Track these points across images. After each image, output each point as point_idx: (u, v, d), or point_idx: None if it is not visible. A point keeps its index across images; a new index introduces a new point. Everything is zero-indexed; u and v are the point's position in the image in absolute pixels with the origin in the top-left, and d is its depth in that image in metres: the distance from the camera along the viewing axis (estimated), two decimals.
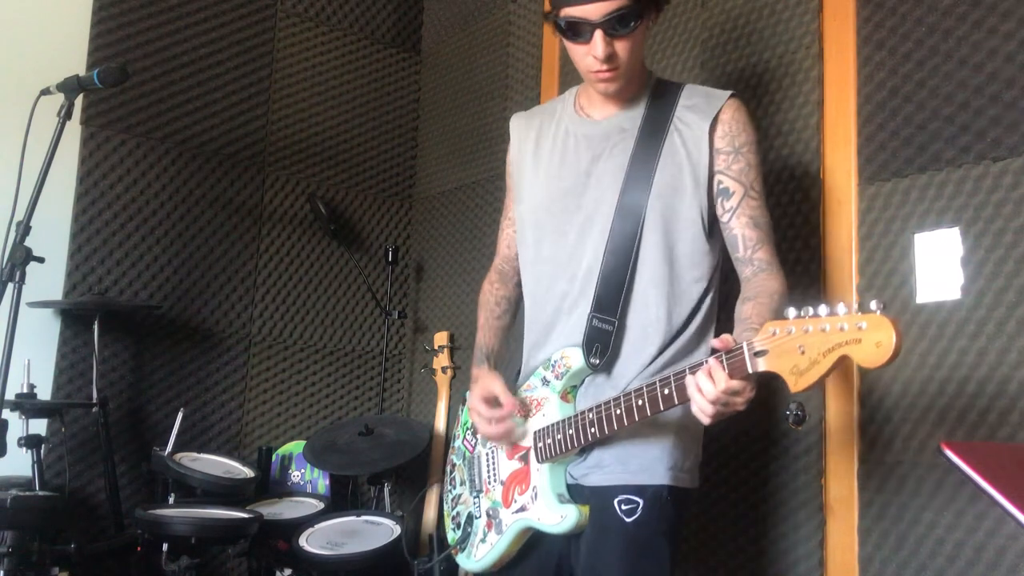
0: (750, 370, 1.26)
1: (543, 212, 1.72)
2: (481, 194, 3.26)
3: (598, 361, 1.60)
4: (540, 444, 1.64)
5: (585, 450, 1.62)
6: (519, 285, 1.88)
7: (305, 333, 3.33)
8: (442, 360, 3.23)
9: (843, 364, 1.18)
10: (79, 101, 2.26)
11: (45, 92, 2.21)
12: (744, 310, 1.50)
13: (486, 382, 1.71)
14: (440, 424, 3.18)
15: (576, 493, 1.63)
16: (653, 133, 1.63)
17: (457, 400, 3.20)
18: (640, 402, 1.44)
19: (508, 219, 1.92)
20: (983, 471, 0.93)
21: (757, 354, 1.25)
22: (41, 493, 2.34)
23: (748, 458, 2.17)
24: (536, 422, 1.67)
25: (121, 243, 2.92)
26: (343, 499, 3.14)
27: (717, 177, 1.61)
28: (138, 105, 2.99)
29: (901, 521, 1.86)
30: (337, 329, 3.42)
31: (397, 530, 2.56)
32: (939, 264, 1.86)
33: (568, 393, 1.66)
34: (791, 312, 1.23)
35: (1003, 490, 0.91)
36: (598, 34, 1.53)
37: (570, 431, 1.57)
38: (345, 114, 3.51)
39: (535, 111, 1.88)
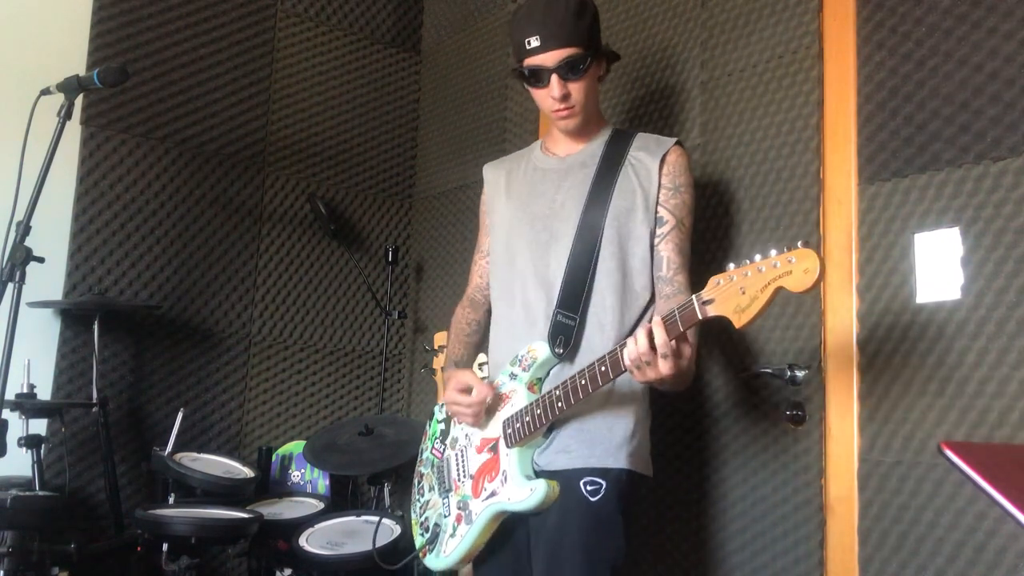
0: (699, 316, 1.46)
1: (515, 234, 1.96)
2: (481, 194, 3.25)
3: (562, 351, 1.79)
4: (509, 430, 1.78)
5: (551, 431, 1.78)
6: (488, 311, 2.11)
7: (305, 333, 3.33)
8: (442, 360, 3.23)
9: (777, 295, 1.37)
10: (79, 101, 2.26)
11: (45, 92, 2.21)
12: (659, 306, 1.80)
13: (459, 376, 1.90)
14: None
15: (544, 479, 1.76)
16: (610, 167, 1.90)
17: None
18: (603, 368, 1.62)
19: (480, 253, 2.16)
20: (983, 471, 0.93)
21: (705, 303, 1.45)
22: (41, 493, 2.34)
23: (748, 458, 2.17)
24: (504, 413, 1.81)
25: (121, 243, 2.92)
26: (343, 499, 3.14)
27: (658, 207, 1.87)
28: (138, 105, 2.99)
29: (901, 521, 1.86)
30: (337, 329, 3.42)
31: (397, 530, 2.56)
32: (939, 264, 1.86)
33: (535, 384, 1.80)
34: (731, 265, 1.43)
35: (1003, 490, 0.91)
36: (554, 78, 1.84)
37: (538, 411, 1.73)
38: (345, 114, 3.51)
39: (503, 160, 2.16)
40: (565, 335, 1.80)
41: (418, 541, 1.94)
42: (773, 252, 1.37)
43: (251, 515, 2.47)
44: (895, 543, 1.86)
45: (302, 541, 2.50)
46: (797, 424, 2.07)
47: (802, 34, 2.19)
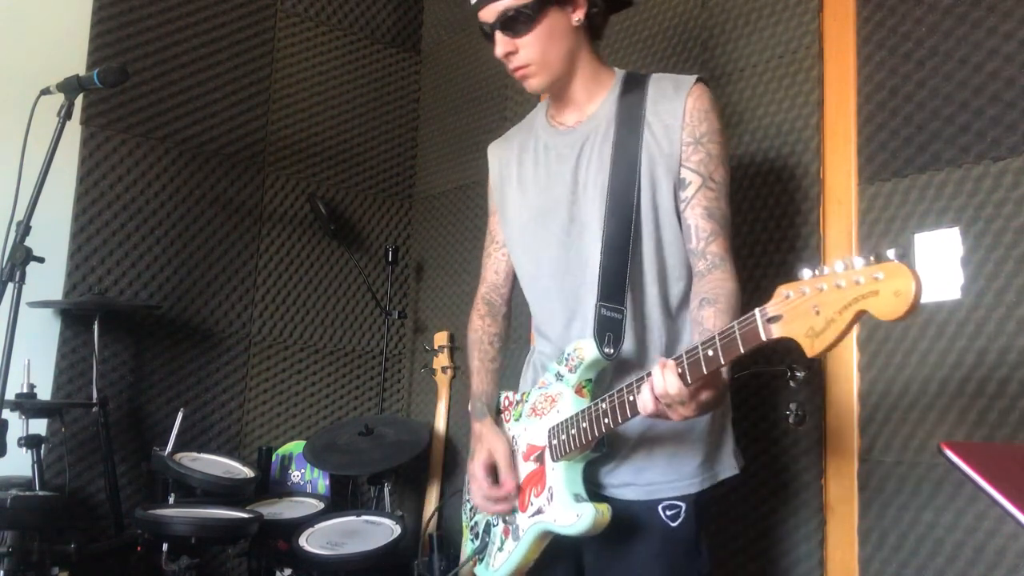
0: (763, 337, 1.19)
1: (538, 227, 1.72)
2: (481, 194, 3.25)
3: (612, 351, 1.56)
4: (555, 441, 1.58)
5: (601, 444, 1.57)
6: (507, 316, 1.90)
7: (305, 333, 3.33)
8: (442, 360, 3.23)
9: (859, 319, 1.10)
10: (79, 101, 2.26)
11: (45, 92, 2.21)
12: (704, 316, 1.48)
13: (492, 446, 1.68)
14: (440, 424, 3.18)
15: (606, 501, 1.59)
16: (630, 129, 1.62)
17: (457, 400, 3.20)
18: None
19: (495, 243, 1.90)
20: (983, 471, 0.93)
21: (770, 320, 1.18)
22: (41, 493, 2.34)
23: (748, 459, 2.16)
24: (550, 419, 1.61)
25: (121, 243, 2.92)
26: (343, 499, 3.14)
27: (680, 168, 1.60)
28: (138, 105, 2.99)
29: (901, 521, 1.86)
30: (337, 329, 3.41)
31: (397, 530, 2.56)
32: (939, 264, 1.86)
33: (583, 387, 1.60)
34: (805, 273, 1.15)
35: (1003, 490, 0.91)
36: (497, 35, 1.60)
37: (584, 424, 1.51)
38: (345, 114, 3.51)
39: (510, 134, 1.89)
40: (613, 331, 1.56)
41: (468, 547, 1.78)
42: (858, 262, 1.08)
43: (251, 515, 2.47)
44: (895, 543, 1.86)
45: (302, 541, 2.50)
46: (797, 424, 2.07)
47: (802, 34, 2.19)
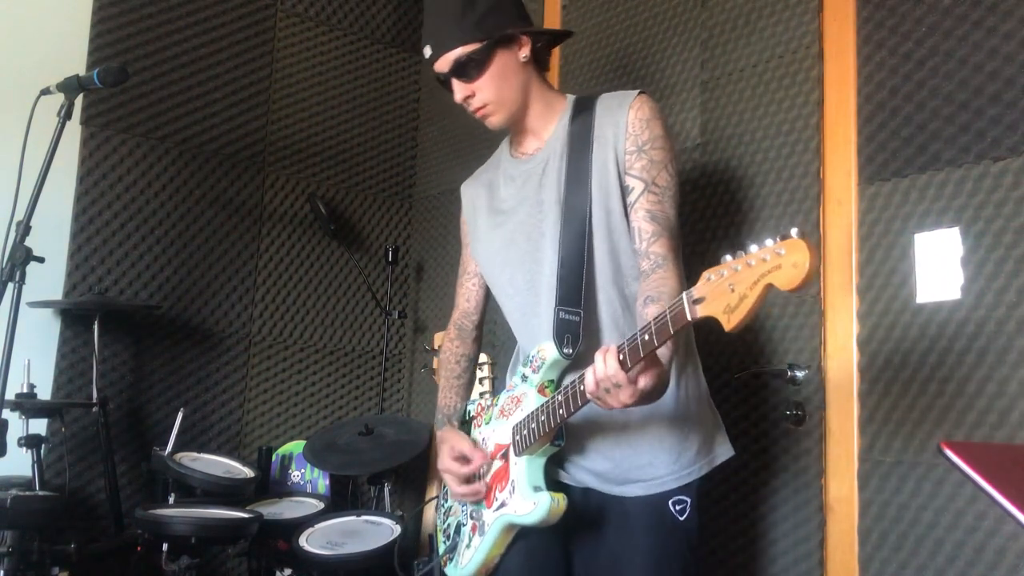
0: (689, 317, 1.28)
1: (509, 247, 1.81)
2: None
3: (571, 350, 1.64)
4: (517, 437, 1.67)
5: (559, 437, 1.64)
6: (477, 339, 2.04)
7: (305, 333, 3.33)
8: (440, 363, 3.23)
9: (767, 293, 1.18)
10: (79, 101, 2.26)
11: (45, 92, 2.21)
12: (648, 312, 1.53)
13: (453, 442, 1.78)
14: None
15: (617, 500, 1.69)
16: (581, 146, 1.73)
17: None
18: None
19: (467, 274, 2.01)
20: (983, 471, 0.93)
21: (695, 302, 1.27)
22: (41, 493, 2.34)
23: (748, 458, 2.17)
24: (515, 417, 1.70)
25: (121, 243, 2.92)
26: (343, 499, 3.14)
27: (624, 176, 1.69)
28: (138, 105, 2.99)
29: (901, 521, 1.86)
30: (337, 329, 3.41)
31: (397, 530, 2.56)
32: (939, 264, 1.86)
33: (545, 387, 1.69)
34: (727, 257, 1.24)
35: (1003, 490, 0.91)
36: (453, 82, 1.74)
37: (542, 417, 1.60)
38: (345, 114, 3.51)
39: (479, 172, 2.02)
40: (571, 333, 1.65)
41: (440, 549, 1.86)
42: (768, 242, 1.18)
43: (251, 515, 2.47)
44: (895, 543, 1.86)
45: (302, 541, 2.50)
46: (797, 424, 2.07)
47: (802, 34, 2.19)
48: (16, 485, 2.35)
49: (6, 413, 2.04)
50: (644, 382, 1.39)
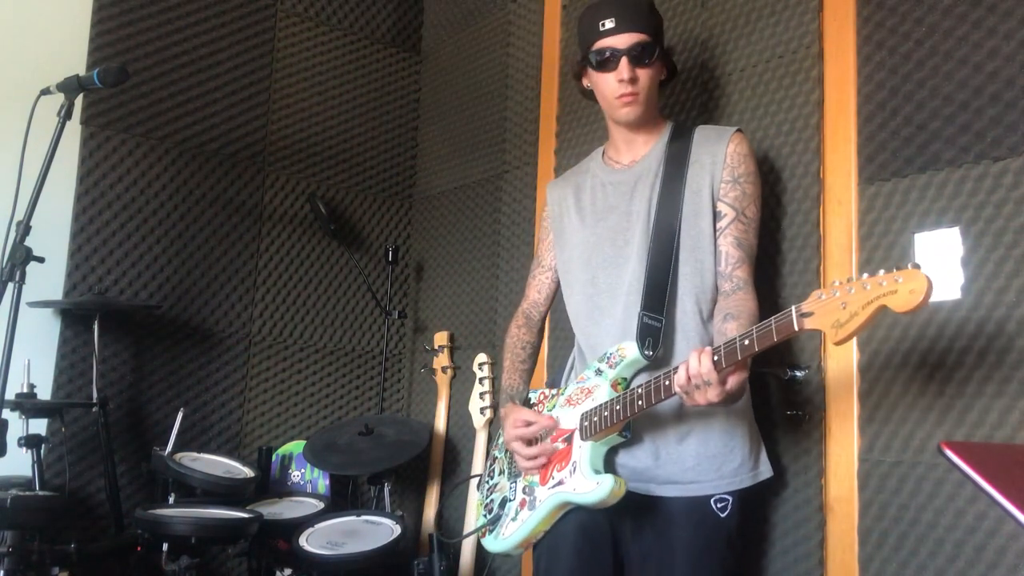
0: (795, 328, 1.43)
1: (596, 253, 1.95)
2: (481, 194, 3.26)
3: (651, 353, 1.77)
4: (586, 423, 1.77)
5: (628, 428, 1.75)
6: (542, 331, 2.17)
7: (305, 333, 3.33)
8: (442, 360, 3.23)
9: (879, 313, 1.35)
10: (79, 101, 2.26)
11: (45, 92, 2.21)
12: (728, 328, 1.71)
13: (516, 414, 1.91)
14: (440, 424, 3.18)
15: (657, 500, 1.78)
16: (677, 167, 1.89)
17: (457, 400, 3.20)
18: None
19: (542, 267, 2.15)
20: (983, 471, 0.93)
21: (803, 315, 1.42)
22: (41, 493, 2.34)
23: None
24: (584, 406, 1.81)
25: (121, 243, 2.92)
26: (343, 499, 3.14)
27: (717, 202, 1.86)
28: (138, 105, 2.99)
29: (901, 521, 1.86)
30: (337, 329, 3.42)
31: (397, 530, 2.56)
32: (939, 264, 1.86)
33: (619, 383, 1.80)
34: (836, 280, 1.41)
35: (1003, 490, 0.91)
36: (624, 60, 1.84)
37: (617, 407, 1.71)
38: (345, 114, 3.51)
39: (567, 175, 2.15)
40: (653, 336, 1.78)
41: (479, 521, 1.95)
42: (882, 271, 1.36)
43: (251, 515, 2.47)
44: (895, 543, 1.86)
45: (302, 541, 2.50)
46: (797, 424, 2.07)
47: (802, 34, 2.19)
48: (16, 485, 2.36)
49: (6, 413, 2.04)
50: (732, 383, 1.55)
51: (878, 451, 1.92)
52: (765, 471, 1.85)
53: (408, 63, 3.71)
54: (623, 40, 1.85)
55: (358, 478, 3.18)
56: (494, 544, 1.88)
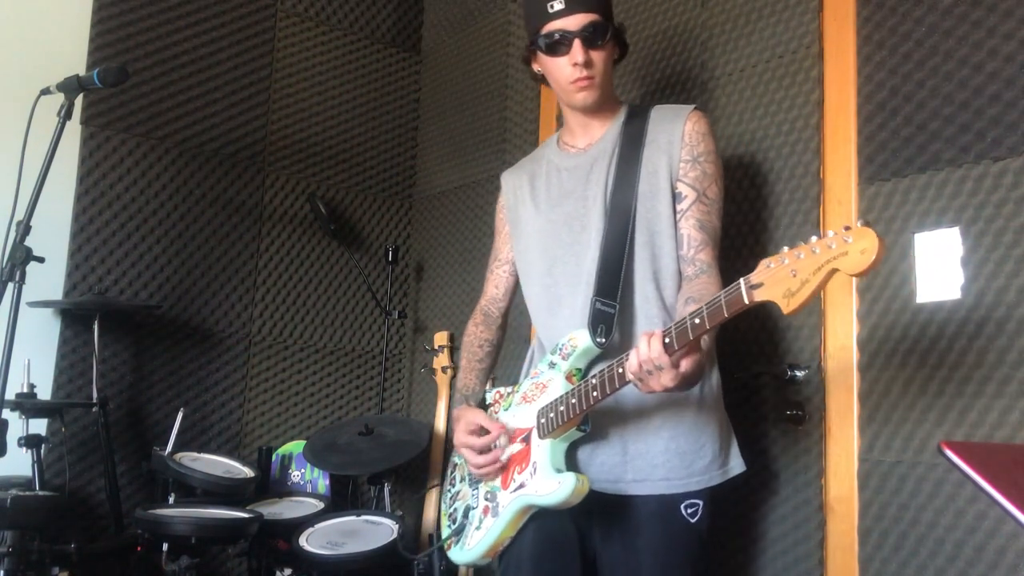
0: (746, 301, 1.34)
1: (552, 240, 1.86)
2: (481, 194, 3.26)
3: (603, 340, 1.68)
4: (543, 420, 1.69)
5: (586, 421, 1.67)
6: (502, 327, 2.08)
7: (305, 333, 3.33)
8: (442, 360, 3.23)
9: (830, 278, 1.27)
10: (79, 101, 2.26)
11: (45, 92, 2.21)
12: (687, 311, 1.57)
13: (469, 416, 1.82)
14: (440, 424, 3.18)
15: (625, 498, 1.70)
16: (632, 148, 1.81)
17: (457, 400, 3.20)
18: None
19: (499, 261, 2.06)
20: (983, 471, 0.93)
21: (753, 287, 1.33)
22: (41, 493, 2.34)
23: (748, 458, 2.16)
24: (540, 401, 1.72)
25: (121, 243, 2.92)
26: (343, 499, 3.14)
27: (677, 183, 1.77)
28: (138, 105, 2.99)
29: (901, 521, 1.86)
30: (337, 329, 3.42)
31: (397, 530, 2.56)
32: (939, 264, 1.86)
33: (573, 375, 1.71)
34: (785, 248, 1.32)
35: (1003, 490, 0.91)
36: (577, 43, 1.76)
37: (572, 400, 1.63)
38: (345, 114, 3.51)
39: (522, 163, 2.07)
40: (606, 323, 1.69)
41: (444, 532, 1.86)
42: (831, 233, 1.26)
43: (251, 515, 2.47)
44: (895, 543, 1.86)
45: (302, 541, 2.50)
46: (797, 424, 2.07)
47: (802, 34, 2.19)
48: (16, 485, 2.36)
49: (6, 413, 2.04)
50: (686, 366, 1.45)
51: (878, 451, 1.92)
52: (736, 466, 1.78)
53: (408, 63, 3.71)
54: (574, 21, 1.75)
55: (358, 478, 3.18)
56: (460, 555, 1.79)
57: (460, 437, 1.80)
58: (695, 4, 2.47)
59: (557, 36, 1.77)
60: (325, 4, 3.48)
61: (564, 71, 1.79)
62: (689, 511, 1.69)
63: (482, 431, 1.78)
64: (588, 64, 1.77)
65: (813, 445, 2.04)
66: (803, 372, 2.06)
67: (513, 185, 2.02)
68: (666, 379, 1.45)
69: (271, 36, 3.33)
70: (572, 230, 1.82)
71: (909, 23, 1.98)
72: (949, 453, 0.96)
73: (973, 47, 1.87)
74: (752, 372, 2.16)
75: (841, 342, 2.01)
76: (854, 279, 2.00)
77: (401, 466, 2.99)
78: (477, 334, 2.05)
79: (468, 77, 3.42)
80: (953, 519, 1.78)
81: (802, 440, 2.07)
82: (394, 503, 3.00)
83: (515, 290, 2.05)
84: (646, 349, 1.44)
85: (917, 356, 1.87)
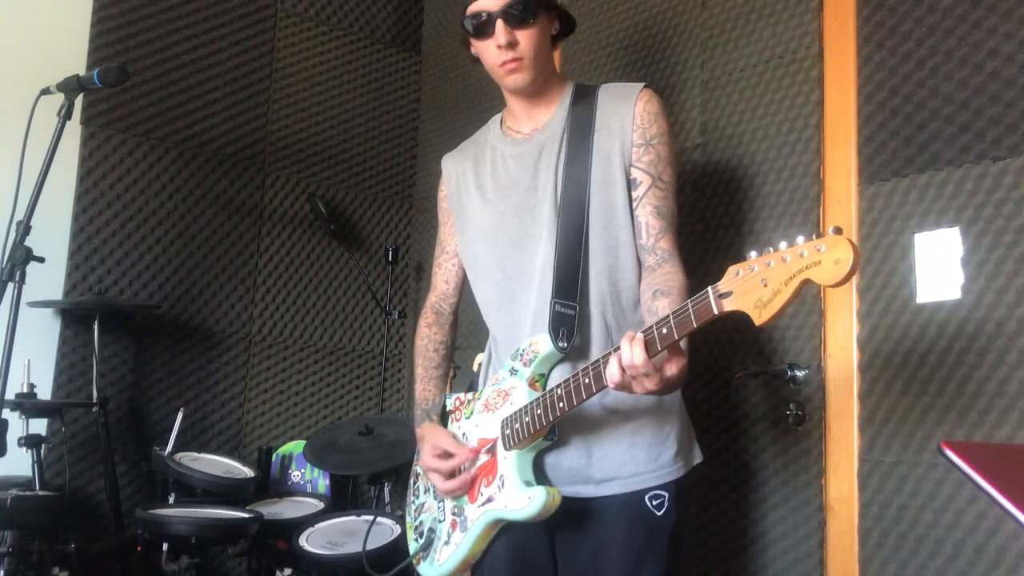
0: (715, 311, 1.28)
1: (499, 232, 1.76)
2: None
3: (565, 344, 1.61)
4: (508, 431, 1.62)
5: (553, 431, 1.60)
6: (454, 325, 1.98)
7: (305, 333, 3.33)
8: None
9: (803, 288, 1.21)
10: (79, 101, 2.26)
11: (45, 92, 2.21)
12: (659, 306, 1.53)
13: (434, 438, 1.74)
14: None
15: (592, 500, 1.63)
16: (582, 134, 1.70)
17: None
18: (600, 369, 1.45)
19: (446, 253, 1.96)
20: (983, 471, 0.93)
21: (721, 296, 1.27)
22: (41, 493, 2.34)
23: (748, 458, 2.17)
24: (503, 411, 1.64)
25: (121, 243, 2.92)
26: (343, 499, 3.14)
27: (631, 168, 1.68)
28: (138, 105, 2.99)
29: (901, 521, 1.86)
30: (337, 329, 3.42)
31: (397, 530, 2.56)
32: (939, 264, 1.86)
33: (536, 381, 1.65)
34: (752, 253, 1.26)
35: (1003, 490, 0.91)
36: (499, 23, 1.66)
37: (538, 411, 1.55)
38: (345, 114, 3.51)
39: (464, 147, 1.96)
40: (567, 326, 1.61)
41: (412, 547, 1.80)
42: (800, 239, 1.20)
43: (251, 515, 2.47)
44: (895, 543, 1.86)
45: (302, 541, 2.50)
46: (797, 424, 2.07)
47: (802, 34, 2.19)
48: (16, 485, 2.36)
49: (6, 413, 2.04)
50: (670, 370, 1.38)
51: (878, 451, 1.92)
52: (697, 455, 1.71)
53: (408, 63, 3.71)
54: (494, 2, 1.65)
55: (358, 478, 3.18)
56: (430, 571, 1.72)
57: (426, 460, 1.73)
58: (695, 4, 2.47)
59: (483, 17, 1.67)
60: (325, 4, 3.48)
61: (491, 54, 1.71)
62: (654, 503, 1.62)
63: (447, 455, 1.70)
64: (512, 45, 1.67)
65: (813, 445, 2.04)
66: (803, 372, 2.06)
67: (455, 171, 1.92)
68: (650, 384, 1.38)
69: (271, 36, 3.33)
70: (522, 223, 1.73)
71: (909, 23, 1.98)
72: (949, 453, 0.96)
73: (973, 47, 1.87)
74: (752, 372, 2.16)
75: (841, 342, 2.01)
76: (854, 279, 2.00)
77: (401, 466, 2.98)
78: (431, 336, 1.95)
79: (468, 77, 3.42)
80: (953, 519, 1.78)
81: (802, 440, 2.07)
82: (394, 503, 3.00)
83: (465, 284, 1.95)
84: (629, 355, 1.36)
85: (917, 356, 1.87)
